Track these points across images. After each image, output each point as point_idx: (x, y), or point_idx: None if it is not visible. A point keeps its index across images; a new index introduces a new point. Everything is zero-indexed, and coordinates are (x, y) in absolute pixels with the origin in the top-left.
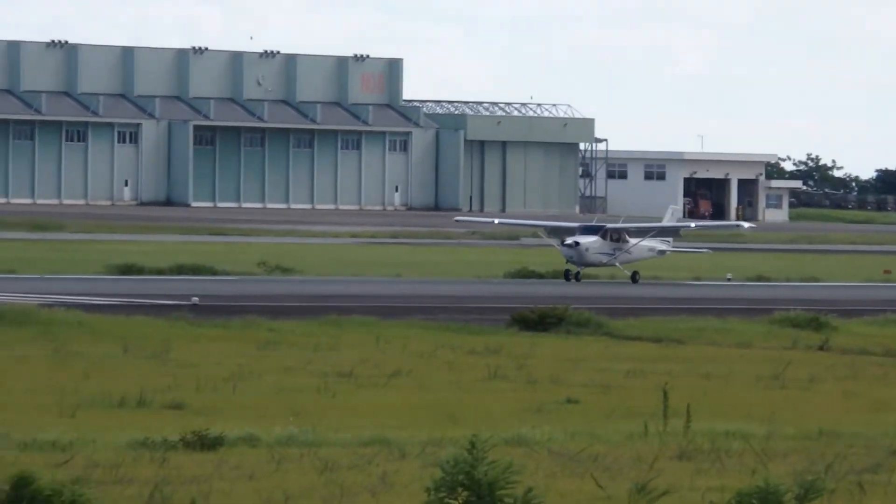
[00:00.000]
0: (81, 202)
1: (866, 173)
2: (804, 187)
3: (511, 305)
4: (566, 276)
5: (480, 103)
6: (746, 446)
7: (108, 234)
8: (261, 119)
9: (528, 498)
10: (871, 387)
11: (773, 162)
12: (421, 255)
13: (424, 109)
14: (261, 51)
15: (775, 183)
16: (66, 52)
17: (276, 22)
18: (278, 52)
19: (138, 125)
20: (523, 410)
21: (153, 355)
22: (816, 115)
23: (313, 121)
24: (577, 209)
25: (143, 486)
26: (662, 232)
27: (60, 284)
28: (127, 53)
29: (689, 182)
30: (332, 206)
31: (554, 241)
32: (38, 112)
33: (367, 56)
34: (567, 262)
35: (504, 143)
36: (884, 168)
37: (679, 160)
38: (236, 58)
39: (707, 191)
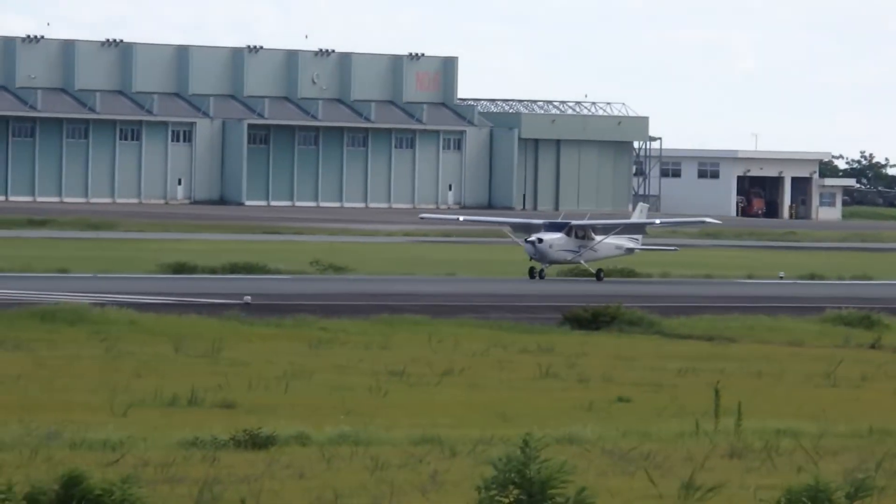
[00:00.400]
0: (135, 201)
1: None
2: (857, 185)
3: (563, 304)
4: (530, 273)
5: (535, 102)
6: (797, 444)
7: (161, 233)
8: (315, 118)
9: (580, 497)
10: None
11: (826, 160)
12: (474, 254)
13: (479, 108)
14: (316, 49)
15: (829, 181)
16: (120, 51)
17: (331, 20)
18: (333, 51)
19: (192, 124)
20: (575, 409)
21: (205, 354)
22: (870, 113)
23: (367, 119)
24: (631, 208)
25: (193, 486)
26: (628, 229)
27: (113, 283)
28: (182, 52)
29: (742, 180)
30: (385, 205)
31: (520, 239)
32: (93, 111)
33: (422, 54)
34: (531, 259)
35: (558, 142)
36: None
37: (733, 158)
38: (291, 56)
39: (760, 189)
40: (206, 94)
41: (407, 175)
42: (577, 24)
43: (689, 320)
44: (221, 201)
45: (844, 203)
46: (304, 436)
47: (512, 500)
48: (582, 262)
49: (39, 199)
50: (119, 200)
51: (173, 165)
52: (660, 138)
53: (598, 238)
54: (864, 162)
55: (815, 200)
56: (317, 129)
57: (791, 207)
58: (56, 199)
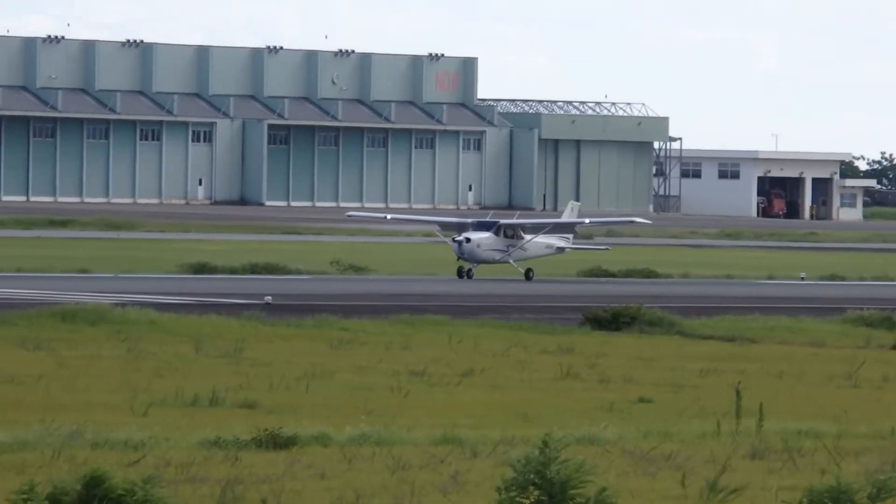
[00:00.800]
0: (155, 201)
1: None
2: (878, 186)
3: (584, 304)
4: (459, 273)
5: (555, 102)
6: (819, 445)
7: (181, 233)
8: (335, 118)
9: (600, 498)
10: None
11: (847, 161)
12: None
13: (499, 108)
14: (335, 50)
15: (849, 182)
16: (140, 51)
17: (351, 21)
18: (353, 51)
19: (212, 124)
20: (595, 409)
21: (226, 354)
22: (891, 113)
23: (387, 120)
24: (651, 208)
25: (214, 486)
26: (557, 228)
27: (134, 284)
28: (202, 53)
29: (763, 181)
30: (405, 205)
31: (448, 238)
32: (113, 111)
33: (442, 55)
34: (458, 258)
35: (578, 142)
36: None
37: (753, 159)
38: (311, 57)
39: (781, 190)
40: (226, 95)
41: (427, 175)
42: (597, 24)
43: (709, 321)
44: (242, 201)
45: (865, 204)
46: (326, 436)
47: (532, 500)
48: (511, 261)
49: (60, 199)
50: (140, 201)
51: (194, 166)
52: (680, 139)
53: (527, 237)
54: (884, 163)
55: (836, 201)
56: (337, 129)
57: (812, 208)
58: (77, 200)
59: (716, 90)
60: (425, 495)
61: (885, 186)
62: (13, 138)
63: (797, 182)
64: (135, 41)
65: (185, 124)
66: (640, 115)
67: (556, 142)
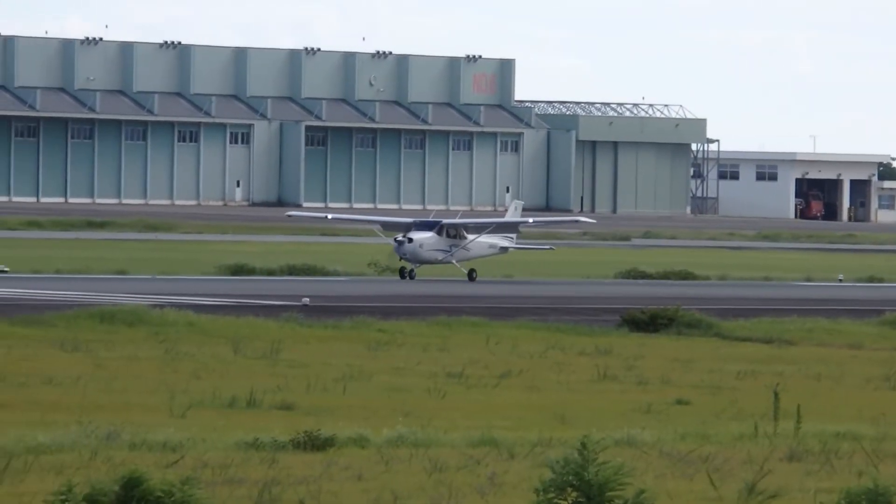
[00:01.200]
0: (193, 202)
1: None
2: None
3: (621, 306)
4: (401, 273)
5: (592, 104)
6: (857, 447)
7: (219, 234)
8: (372, 120)
9: (638, 500)
10: None
11: (885, 162)
12: (531, 256)
13: (536, 110)
14: (373, 51)
15: (888, 184)
16: (178, 53)
17: (389, 23)
18: (390, 53)
19: (250, 126)
20: (633, 411)
21: (263, 356)
22: None
23: (425, 121)
24: (689, 210)
25: (252, 487)
26: (500, 228)
27: (171, 285)
28: (239, 54)
29: (800, 183)
30: (443, 207)
31: (390, 238)
32: (151, 113)
33: (479, 56)
34: (400, 259)
35: (615, 144)
36: None
37: (791, 161)
38: (348, 58)
39: (819, 191)
40: (263, 96)
41: (464, 177)
42: (634, 25)
43: (747, 323)
44: (279, 203)
45: None
46: (363, 437)
47: (570, 502)
48: (454, 261)
49: (99, 200)
50: (178, 202)
51: (231, 167)
52: (717, 140)
53: (470, 237)
54: None
55: (874, 203)
56: (374, 130)
57: (850, 210)
58: (115, 201)
59: (754, 91)
60: (462, 497)
61: None
62: (52, 140)
63: (835, 184)
64: (173, 42)
65: (223, 126)
66: (678, 116)
67: (594, 143)
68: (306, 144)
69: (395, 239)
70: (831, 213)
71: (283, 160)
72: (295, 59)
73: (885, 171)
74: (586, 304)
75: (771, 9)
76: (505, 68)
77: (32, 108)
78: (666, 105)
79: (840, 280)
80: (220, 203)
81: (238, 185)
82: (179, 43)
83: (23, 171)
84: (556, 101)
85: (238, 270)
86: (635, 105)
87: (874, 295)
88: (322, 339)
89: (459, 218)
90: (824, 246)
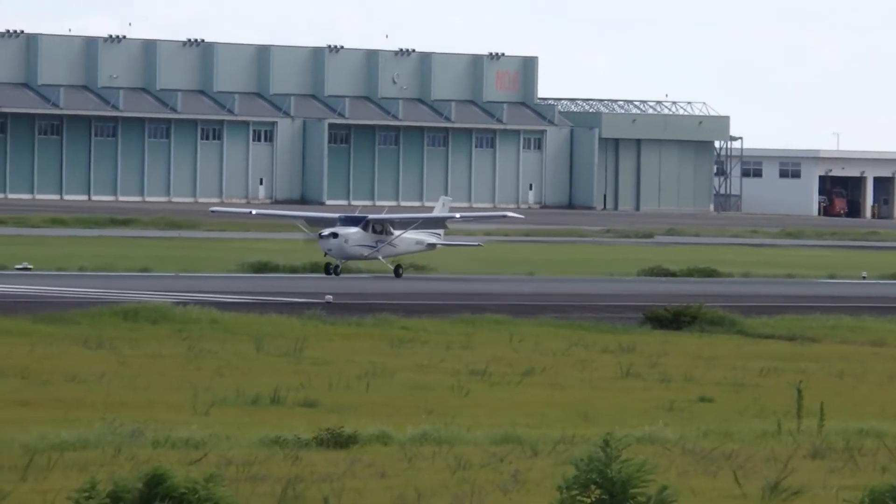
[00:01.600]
0: (216, 200)
1: None
2: None
3: (644, 303)
4: (326, 269)
5: (615, 101)
6: (880, 445)
7: (242, 232)
8: (395, 117)
9: (661, 497)
10: None
11: None
12: (554, 254)
13: (559, 107)
14: (396, 49)
15: None
16: (201, 50)
17: (411, 20)
18: (413, 51)
19: (273, 123)
20: (656, 408)
21: (286, 353)
22: None
23: (448, 119)
24: (712, 207)
25: (275, 484)
26: (428, 223)
27: (195, 282)
28: (262, 52)
29: (824, 180)
30: (466, 205)
31: (314, 234)
32: (174, 110)
33: (502, 54)
34: (325, 255)
35: (639, 142)
36: None
37: (814, 158)
38: (371, 56)
39: (842, 189)
40: (286, 94)
41: (487, 174)
42: (657, 23)
43: (770, 320)
44: (302, 201)
45: None
46: (386, 435)
47: (593, 499)
48: (380, 257)
49: (122, 198)
50: (201, 200)
51: (254, 165)
52: (741, 138)
53: (396, 233)
54: None
55: None
56: (397, 128)
57: (873, 207)
58: (138, 199)
59: (777, 89)
60: (486, 494)
61: None
62: (75, 138)
63: (858, 181)
64: (196, 40)
65: (246, 124)
66: (701, 114)
67: (617, 141)
68: (329, 142)
69: (319, 234)
70: (854, 210)
71: (307, 158)
72: (318, 57)
73: None
74: (609, 301)
75: (794, 6)
76: (528, 66)
77: (56, 105)
78: (689, 102)
79: (864, 277)
80: (244, 201)
81: (261, 183)
82: (202, 41)
83: (46, 168)
84: (579, 99)
85: (261, 268)
86: (658, 103)
87: None
88: (345, 337)
89: (385, 213)
90: (847, 243)
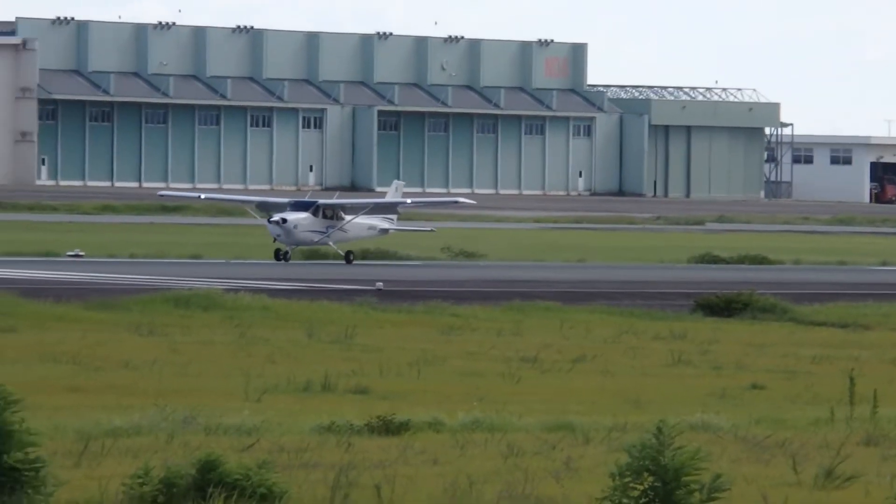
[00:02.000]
0: (266, 187)
1: None
2: None
3: (695, 291)
4: (276, 255)
5: (665, 88)
6: None
7: None
8: (445, 104)
9: (715, 484)
10: None
11: None
12: (604, 241)
13: (609, 94)
14: (445, 36)
15: None
16: (251, 37)
17: (460, 7)
18: (462, 38)
19: (323, 110)
20: (708, 396)
21: (337, 340)
22: None
23: (497, 106)
24: (762, 194)
25: (328, 471)
26: (378, 209)
27: (246, 269)
28: (312, 39)
29: (875, 166)
30: (515, 191)
31: (264, 219)
32: (224, 97)
33: (552, 41)
34: (275, 240)
35: (689, 128)
36: None
37: (865, 144)
38: (420, 43)
39: (894, 175)
40: (336, 81)
41: (537, 161)
42: (707, 9)
43: (822, 307)
44: (352, 187)
45: None
46: (438, 422)
47: (646, 486)
48: (331, 243)
49: (172, 185)
50: (251, 187)
51: (304, 152)
52: (791, 124)
53: (347, 218)
54: None
55: None
56: (447, 115)
57: None
58: (189, 186)
59: (828, 75)
60: (538, 482)
61: None
62: (125, 124)
63: None
64: (245, 27)
65: (296, 110)
66: (752, 100)
67: (667, 128)
68: (379, 129)
69: (268, 220)
70: None
71: (356, 145)
72: (367, 44)
73: None
74: (660, 288)
75: None
76: (577, 52)
77: (106, 92)
78: (739, 89)
79: None
80: (294, 188)
81: (311, 170)
82: (252, 28)
83: (97, 155)
84: (628, 86)
85: (312, 255)
86: (708, 89)
87: None
88: (396, 324)
89: (336, 198)
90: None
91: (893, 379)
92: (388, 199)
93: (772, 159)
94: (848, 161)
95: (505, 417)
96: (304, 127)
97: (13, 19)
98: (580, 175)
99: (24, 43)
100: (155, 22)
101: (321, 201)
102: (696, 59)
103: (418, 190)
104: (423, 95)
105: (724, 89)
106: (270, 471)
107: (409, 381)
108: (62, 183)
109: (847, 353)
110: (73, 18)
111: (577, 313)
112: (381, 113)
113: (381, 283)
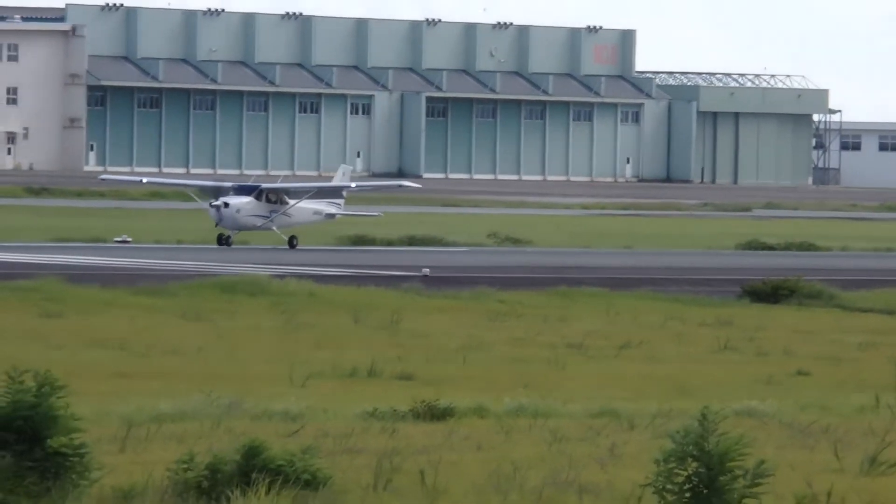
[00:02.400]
0: (314, 174)
1: None
2: None
3: (742, 277)
4: (219, 240)
5: (713, 74)
6: None
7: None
8: (493, 90)
9: (759, 470)
10: None
11: None
12: (651, 227)
13: (657, 81)
14: (493, 22)
15: None
16: (300, 23)
17: None
18: (511, 24)
19: (371, 97)
20: (753, 382)
21: (383, 326)
22: None
23: (545, 92)
24: (811, 181)
25: (372, 457)
26: (323, 193)
27: (293, 255)
28: (361, 25)
29: None
30: (563, 178)
31: (206, 203)
32: (273, 84)
33: (601, 27)
34: (216, 225)
35: (737, 115)
36: None
37: None
38: (469, 29)
39: None
40: (384, 67)
41: (584, 148)
42: None
43: (869, 294)
44: (400, 174)
45: None
46: (483, 408)
47: (690, 472)
48: (274, 228)
49: (220, 171)
50: (298, 173)
51: (352, 138)
52: (839, 111)
53: (292, 202)
54: None
55: None
56: (495, 101)
57: None
58: (236, 172)
59: (876, 62)
60: (582, 468)
61: None
62: (174, 111)
63: None
64: (294, 13)
65: (344, 97)
66: (800, 87)
67: (715, 114)
68: (427, 115)
69: (210, 204)
70: None
71: (404, 131)
72: (416, 30)
73: None
74: (707, 275)
75: None
76: (626, 39)
77: (155, 79)
78: (787, 76)
79: None
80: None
81: (358, 156)
82: (301, 14)
83: (145, 141)
84: (677, 72)
85: (359, 241)
86: (757, 76)
87: None
88: (442, 310)
89: (280, 182)
90: None
91: None
92: (332, 183)
93: (820, 146)
94: None
95: (550, 404)
96: (352, 113)
97: (63, 6)
98: (628, 161)
99: (74, 29)
100: (204, 8)
101: (264, 185)
102: (744, 46)
103: (465, 176)
104: (471, 82)
105: (773, 76)
106: (314, 456)
107: (455, 366)
108: (110, 169)
109: (893, 340)
110: (122, 5)
111: (623, 300)
112: (429, 99)
113: (427, 269)
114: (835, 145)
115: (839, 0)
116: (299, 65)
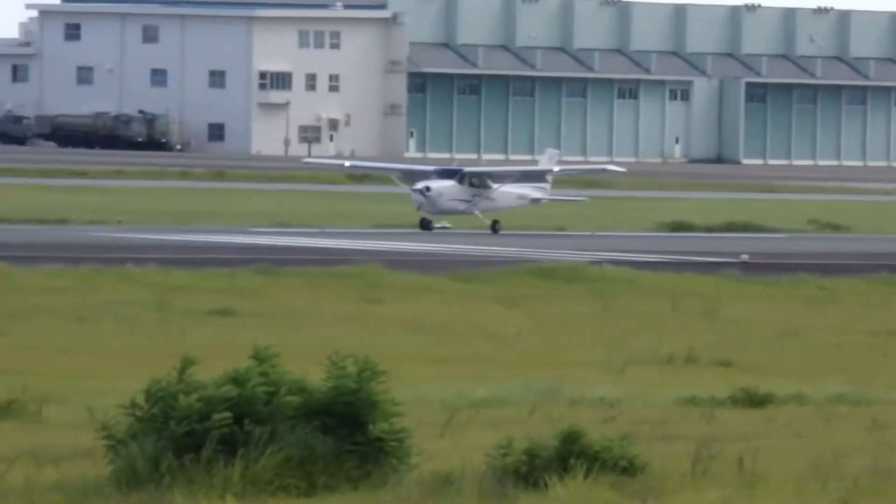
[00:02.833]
0: (632, 160)
1: None
2: None
3: None
4: (421, 225)
5: None
6: None
7: (658, 191)
8: (813, 76)
9: None
10: None
11: None
12: None
13: None
14: (814, 7)
15: None
16: (619, 10)
17: None
18: (832, 9)
19: (690, 83)
20: None
21: (702, 312)
22: None
23: (867, 77)
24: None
25: (689, 443)
26: (526, 177)
27: (610, 242)
28: (679, 11)
29: None
30: (884, 164)
31: (408, 187)
32: (591, 70)
33: None
34: (418, 209)
35: None
36: None
37: None
38: (789, 14)
39: None
40: (703, 53)
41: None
42: None
43: None
44: (718, 160)
45: None
46: (802, 395)
47: None
48: (476, 212)
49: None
50: (616, 158)
51: (670, 124)
52: None
53: (495, 186)
54: None
55: None
56: (815, 87)
57: None
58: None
59: None
60: None
61: None
62: (493, 97)
63: None
64: (613, 0)
65: (662, 83)
66: None
67: None
68: (746, 101)
69: (412, 188)
70: None
71: (723, 117)
72: (735, 16)
73: None
74: None
75: None
76: None
77: (474, 65)
78: None
79: None
80: (659, 160)
81: (677, 142)
82: (620, 0)
83: (464, 128)
84: None
85: (677, 227)
86: None
87: None
88: (760, 297)
89: (484, 166)
90: None
91: None
92: (537, 167)
93: None
94: None
95: (871, 391)
96: (670, 99)
97: None
98: None
99: (395, 17)
100: None
101: (467, 169)
102: None
103: (784, 162)
104: (791, 67)
105: None
106: (632, 443)
107: (773, 353)
108: (430, 155)
109: None
110: None
111: None
112: (748, 85)
113: (746, 256)
114: None
115: None
116: (618, 51)
